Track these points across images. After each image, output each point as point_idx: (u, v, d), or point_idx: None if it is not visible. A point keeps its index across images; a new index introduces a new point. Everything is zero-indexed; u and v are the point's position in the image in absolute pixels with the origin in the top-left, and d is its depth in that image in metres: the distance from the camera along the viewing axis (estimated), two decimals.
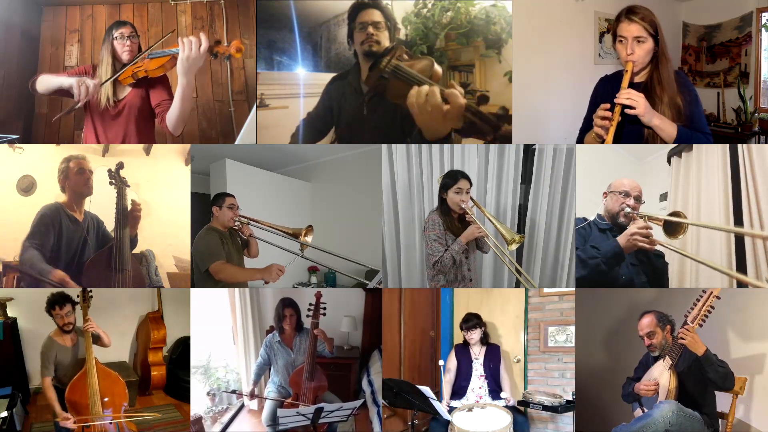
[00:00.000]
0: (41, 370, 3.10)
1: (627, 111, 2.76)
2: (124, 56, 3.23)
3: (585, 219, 3.00)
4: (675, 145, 3.11)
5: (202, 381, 3.84)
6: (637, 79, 2.87)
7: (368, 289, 3.85)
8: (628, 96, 2.74)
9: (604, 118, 2.79)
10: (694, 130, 2.85)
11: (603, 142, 2.79)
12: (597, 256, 2.80)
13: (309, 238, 3.28)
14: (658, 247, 2.84)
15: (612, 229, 2.88)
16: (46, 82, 3.20)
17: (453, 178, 3.03)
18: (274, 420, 3.18)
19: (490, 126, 3.16)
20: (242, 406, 4.03)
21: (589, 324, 3.34)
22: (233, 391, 3.79)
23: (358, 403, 2.99)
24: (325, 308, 3.39)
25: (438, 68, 3.06)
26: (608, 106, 2.79)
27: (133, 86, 3.26)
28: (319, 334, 3.34)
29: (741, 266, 2.99)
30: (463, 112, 3.02)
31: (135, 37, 3.26)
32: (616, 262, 2.77)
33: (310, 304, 3.39)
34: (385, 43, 3.09)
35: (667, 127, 2.79)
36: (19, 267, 2.99)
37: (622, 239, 2.73)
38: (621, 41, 2.83)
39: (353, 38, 3.13)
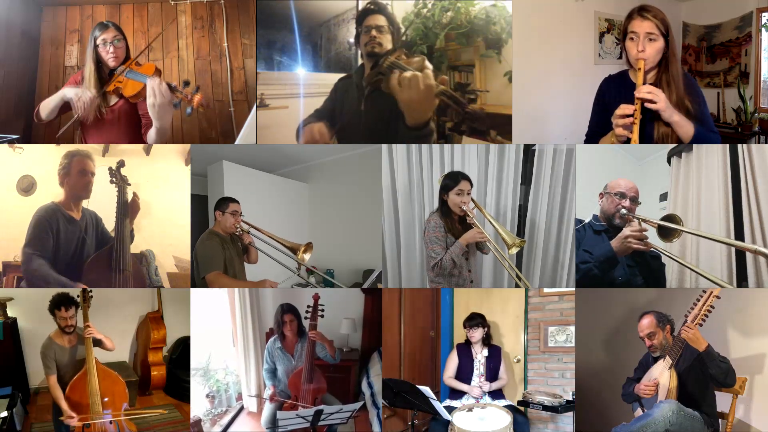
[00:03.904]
0: (44, 370, 3.10)
1: (648, 105, 2.73)
2: (110, 62, 3.19)
3: (581, 221, 2.99)
4: (675, 145, 3.11)
5: (201, 383, 3.84)
6: (646, 80, 2.86)
7: (367, 290, 3.85)
8: (649, 90, 2.72)
9: (625, 116, 2.77)
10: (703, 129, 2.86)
11: (628, 142, 2.78)
12: (589, 261, 2.80)
13: (307, 256, 3.26)
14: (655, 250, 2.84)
15: (608, 231, 2.88)
16: (46, 106, 3.20)
17: (454, 179, 3.02)
18: (273, 422, 3.16)
19: (460, 106, 3.31)
20: (242, 409, 4.02)
21: (589, 324, 3.34)
22: (257, 396, 3.79)
23: (357, 405, 2.98)
24: (323, 310, 3.37)
25: (428, 64, 3.19)
26: (629, 106, 2.75)
27: (120, 96, 3.22)
28: (316, 337, 3.31)
29: (741, 266, 2.99)
30: (436, 93, 3.19)
31: (120, 41, 3.19)
32: (609, 266, 2.76)
33: (308, 306, 3.37)
34: (388, 45, 3.17)
35: (685, 124, 2.78)
36: (26, 275, 2.97)
37: (615, 242, 2.72)
38: (632, 38, 2.81)
39: (359, 41, 3.22)
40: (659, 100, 2.72)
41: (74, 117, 3.17)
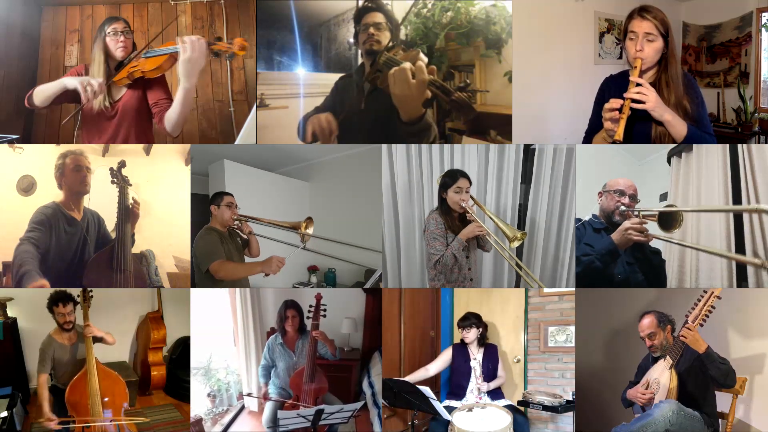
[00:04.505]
0: (38, 367, 3.10)
1: (636, 106, 2.75)
2: (118, 53, 3.16)
3: (579, 219, 3.00)
4: (675, 145, 3.11)
5: (202, 382, 3.84)
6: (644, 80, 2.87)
7: (368, 290, 3.84)
8: (638, 90, 2.74)
9: (612, 109, 2.79)
10: (700, 131, 2.86)
11: (614, 138, 2.79)
12: (591, 253, 2.81)
13: (310, 230, 3.29)
14: (657, 243, 2.85)
15: (607, 229, 2.89)
16: (43, 92, 3.11)
17: (452, 177, 3.03)
18: (274, 422, 3.17)
19: (446, 94, 3.24)
20: (243, 408, 4.02)
21: (589, 324, 3.34)
22: (248, 394, 3.78)
23: (358, 404, 2.99)
24: (325, 310, 3.39)
25: (423, 56, 3.15)
26: (618, 100, 2.77)
27: (128, 86, 3.17)
28: (319, 336, 3.34)
29: (741, 266, 2.99)
30: (426, 85, 3.13)
31: (129, 33, 3.19)
32: (611, 259, 2.78)
33: (311, 306, 3.39)
34: (386, 42, 3.17)
35: (678, 124, 2.79)
36: (13, 260, 2.95)
37: (616, 235, 2.75)
38: (631, 38, 2.84)
39: (358, 39, 3.22)
40: (648, 99, 2.73)
41: (80, 106, 3.10)
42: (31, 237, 2.96)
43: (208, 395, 3.86)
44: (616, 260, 2.79)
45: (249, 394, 3.81)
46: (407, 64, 3.07)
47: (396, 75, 3.07)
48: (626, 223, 2.73)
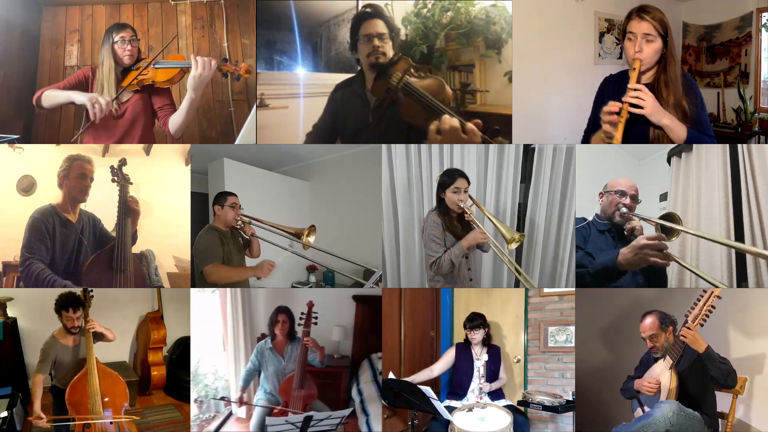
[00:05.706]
0: (37, 365, 3.10)
1: (633, 110, 2.74)
2: (126, 60, 3.32)
3: (584, 219, 3.00)
4: (675, 145, 3.11)
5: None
6: (643, 80, 2.86)
7: (359, 299, 3.86)
8: (636, 95, 2.73)
9: (611, 113, 2.78)
10: (700, 132, 2.85)
11: (612, 140, 2.78)
12: (587, 266, 2.79)
13: (311, 239, 3.29)
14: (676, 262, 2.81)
15: (610, 230, 2.88)
16: (52, 98, 3.27)
17: (450, 177, 3.02)
18: (262, 428, 3.16)
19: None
20: (230, 414, 3.99)
21: (589, 324, 3.34)
22: (222, 398, 3.77)
23: (347, 411, 2.99)
24: (316, 318, 3.41)
25: (449, 89, 3.03)
26: (617, 104, 2.77)
27: (135, 91, 3.33)
28: (310, 343, 3.35)
29: (741, 266, 2.99)
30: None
31: (135, 41, 3.34)
32: (605, 277, 2.73)
33: (302, 314, 3.41)
34: (390, 52, 3.02)
35: (676, 127, 2.78)
36: (23, 279, 2.98)
37: (628, 252, 2.56)
38: (630, 38, 2.83)
39: (358, 49, 3.05)
40: (646, 105, 2.72)
41: (89, 123, 3.23)
42: (34, 255, 2.96)
43: (195, 401, 3.83)
44: (611, 279, 2.72)
45: (223, 398, 3.78)
46: (455, 122, 2.88)
47: (447, 132, 2.88)
48: (641, 240, 2.50)
